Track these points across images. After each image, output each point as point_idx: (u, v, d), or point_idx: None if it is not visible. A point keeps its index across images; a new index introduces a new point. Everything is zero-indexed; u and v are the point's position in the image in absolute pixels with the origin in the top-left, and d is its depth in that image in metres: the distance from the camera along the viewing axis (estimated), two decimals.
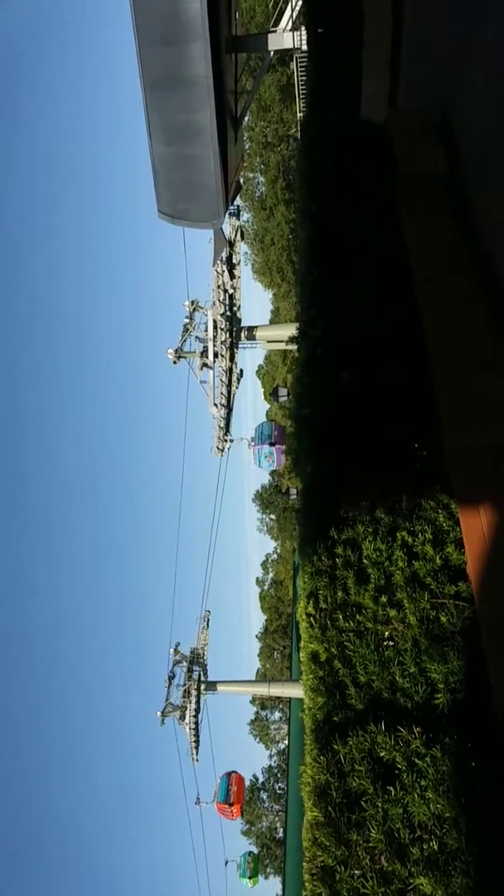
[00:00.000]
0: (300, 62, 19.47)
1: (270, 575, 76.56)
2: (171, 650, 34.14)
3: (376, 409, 6.10)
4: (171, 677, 33.59)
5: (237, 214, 30.33)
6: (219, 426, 34.71)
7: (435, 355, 5.84)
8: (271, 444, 34.45)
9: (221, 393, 33.87)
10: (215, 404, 34.17)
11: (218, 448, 34.79)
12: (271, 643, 70.39)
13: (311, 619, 5.10)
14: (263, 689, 34.74)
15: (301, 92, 19.72)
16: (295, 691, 27.17)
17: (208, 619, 36.65)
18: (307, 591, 5.22)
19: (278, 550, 75.16)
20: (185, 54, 16.09)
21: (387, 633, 5.05)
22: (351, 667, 4.95)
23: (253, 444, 35.25)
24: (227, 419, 34.92)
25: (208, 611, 36.78)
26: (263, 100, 33.82)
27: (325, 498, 5.54)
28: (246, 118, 27.56)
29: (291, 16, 20.03)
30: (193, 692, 32.64)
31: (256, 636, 74.62)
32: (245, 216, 36.21)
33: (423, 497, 5.58)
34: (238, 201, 29.52)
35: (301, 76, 19.00)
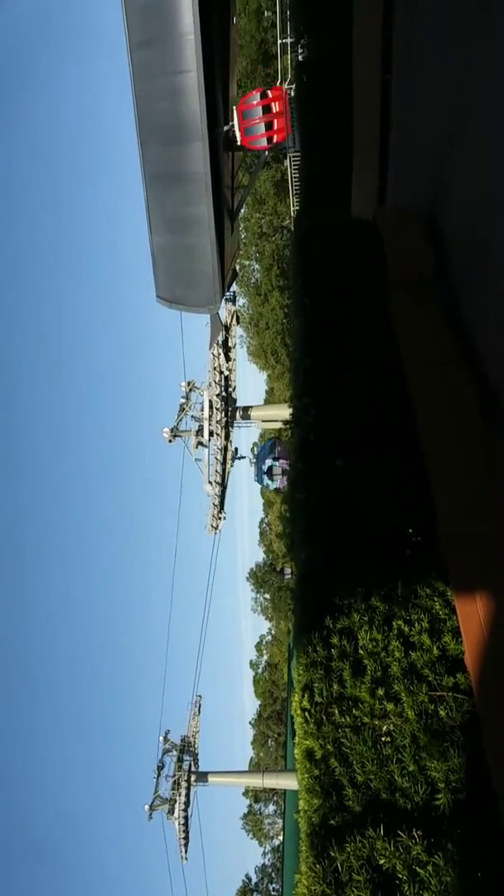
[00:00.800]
0: (293, 160, 20.64)
1: (265, 657, 74.43)
2: (161, 738, 32.76)
3: (370, 495, 6.13)
4: (160, 767, 32.08)
5: (233, 300, 31.33)
6: (213, 504, 34.66)
7: (427, 442, 5.93)
8: (275, 460, 32.99)
9: (216, 471, 34.01)
10: (210, 482, 34.25)
11: (212, 526, 34.62)
12: (265, 730, 67.71)
13: (307, 713, 4.94)
14: (257, 781, 33.12)
15: (295, 187, 20.82)
16: (290, 783, 25.92)
17: (200, 705, 35.37)
18: (302, 683, 5.08)
19: (273, 631, 73.36)
20: (185, 153, 17.11)
21: (384, 729, 4.90)
22: (348, 765, 4.77)
23: (255, 460, 33.96)
24: (222, 497, 34.91)
25: (199, 696, 35.56)
26: (259, 193, 35.66)
27: (320, 586, 5.48)
28: (242, 210, 28.95)
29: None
30: (183, 784, 31.10)
31: (250, 723, 71.84)
32: (241, 301, 37.48)
33: (419, 584, 5.53)
34: (234, 287, 30.57)
35: (294, 173, 20.13)
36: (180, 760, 32.21)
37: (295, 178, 19.87)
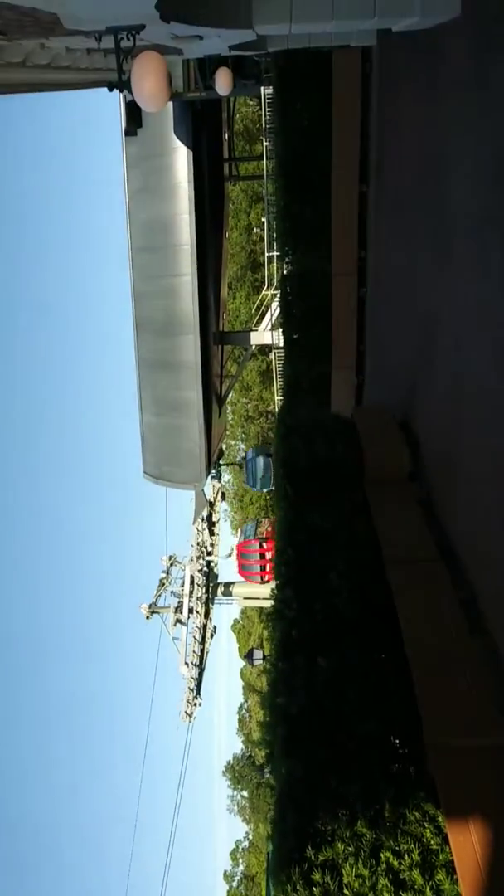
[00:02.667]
0: (278, 355, 22.27)
1: (241, 867, 66.21)
2: None
3: (354, 699, 5.85)
4: None
5: (218, 477, 32.02)
6: (189, 688, 32.75)
7: (411, 644, 5.79)
8: (268, 455, 29.91)
9: (194, 651, 32.56)
10: (186, 663, 32.63)
11: (186, 713, 32.42)
12: None
13: None
14: None
15: (279, 379, 22.27)
16: None
17: None
18: None
19: (250, 836, 65.94)
20: (178, 344, 18.56)
21: None
22: None
23: (246, 459, 30.89)
24: (199, 680, 33.09)
25: None
26: (245, 381, 38.03)
27: (301, 807, 5.04)
28: (230, 395, 30.59)
29: (271, 319, 23.39)
30: None
31: None
32: (226, 477, 38.39)
33: (408, 806, 5.10)
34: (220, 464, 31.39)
35: (279, 366, 21.62)
36: None
37: (279, 371, 21.31)
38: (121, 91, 6.41)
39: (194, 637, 32.42)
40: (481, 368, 6.16)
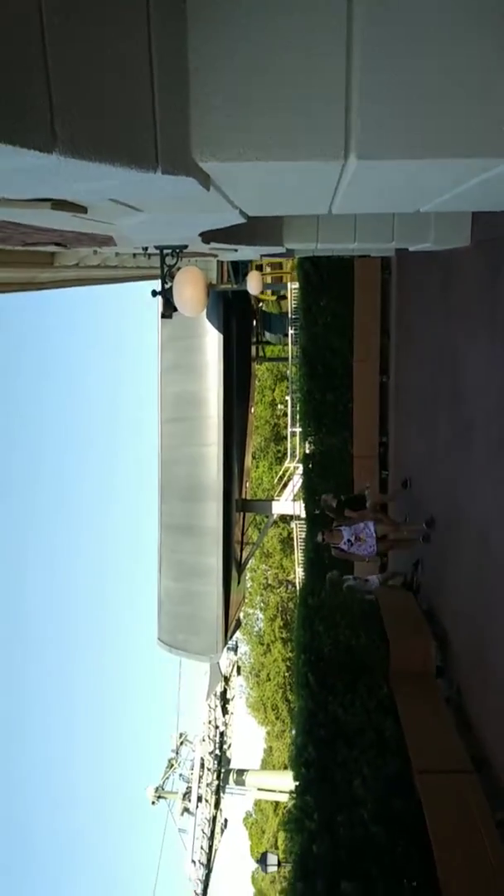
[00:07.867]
0: (300, 525, 22.36)
1: None
2: None
3: None
4: None
5: (235, 649, 30.81)
6: (195, 892, 29.08)
7: (445, 880, 5.19)
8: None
9: (201, 847, 29.32)
10: (193, 861, 29.25)
11: None
12: None
13: None
14: None
15: (300, 549, 22.19)
16: None
17: None
18: None
19: None
20: (201, 510, 18.83)
21: None
22: None
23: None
24: (206, 883, 29.47)
25: None
26: (266, 548, 37.86)
27: None
28: (249, 562, 30.30)
29: (293, 490, 23.79)
30: None
31: None
32: (243, 649, 36.91)
33: None
34: (237, 635, 30.35)
35: (300, 538, 21.64)
36: None
37: (301, 542, 21.34)
38: (164, 297, 7.03)
39: (203, 831, 29.37)
40: None
